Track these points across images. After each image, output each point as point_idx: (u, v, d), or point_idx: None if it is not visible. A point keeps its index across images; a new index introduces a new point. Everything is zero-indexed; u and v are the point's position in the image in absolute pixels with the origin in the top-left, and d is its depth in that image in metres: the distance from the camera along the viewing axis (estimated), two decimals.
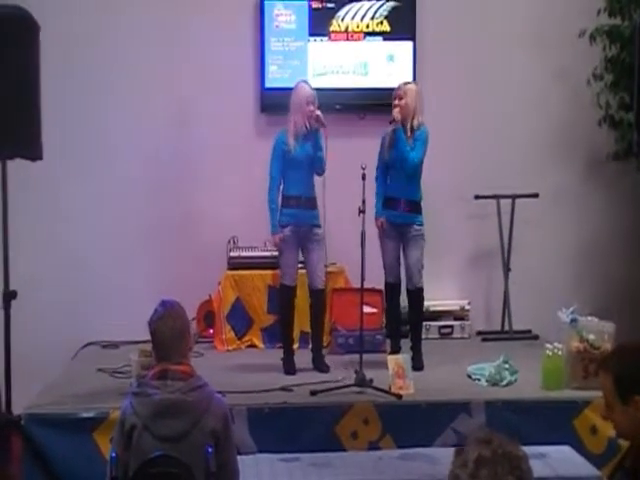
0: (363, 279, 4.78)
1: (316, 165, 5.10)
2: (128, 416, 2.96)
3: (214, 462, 2.90)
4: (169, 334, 3.01)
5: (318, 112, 5.03)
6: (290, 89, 5.23)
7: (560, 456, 4.05)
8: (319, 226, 5.16)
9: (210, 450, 2.90)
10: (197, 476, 2.89)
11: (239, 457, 3.63)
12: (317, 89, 5.21)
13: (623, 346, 2.71)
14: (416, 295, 5.27)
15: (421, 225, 5.19)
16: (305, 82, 5.26)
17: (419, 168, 5.15)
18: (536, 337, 5.92)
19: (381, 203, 5.20)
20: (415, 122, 5.12)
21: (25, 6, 4.37)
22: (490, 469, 1.86)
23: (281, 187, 5.14)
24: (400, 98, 5.11)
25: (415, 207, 5.19)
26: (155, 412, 2.92)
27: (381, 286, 5.48)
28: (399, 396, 4.55)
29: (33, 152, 4.35)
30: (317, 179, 5.14)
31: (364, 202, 4.73)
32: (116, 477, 2.91)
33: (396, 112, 5.07)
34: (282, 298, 5.25)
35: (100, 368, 5.15)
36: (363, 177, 4.73)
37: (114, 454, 2.95)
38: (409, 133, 5.11)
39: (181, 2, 6.04)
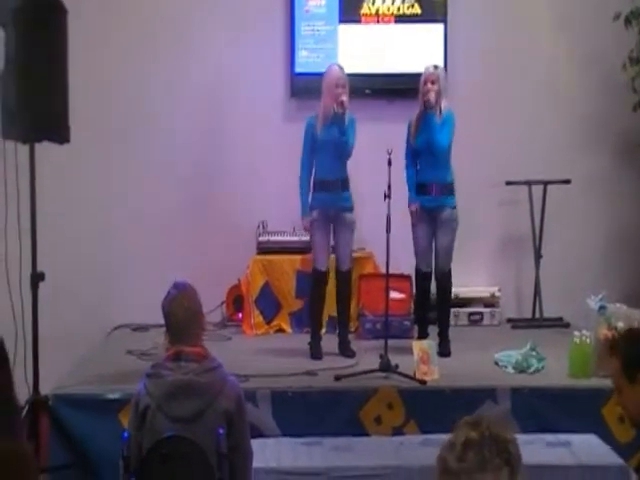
0: (388, 264, 4.74)
1: (341, 149, 5.05)
2: (142, 397, 2.98)
3: (225, 443, 2.89)
4: (182, 316, 3.01)
5: (344, 98, 4.97)
6: (320, 74, 5.20)
7: (584, 444, 3.98)
8: (350, 209, 5.12)
9: (222, 431, 2.89)
10: (209, 457, 2.89)
11: (262, 439, 3.65)
12: (347, 74, 5.14)
13: (631, 331, 2.79)
14: (445, 279, 5.22)
15: (454, 208, 5.14)
16: (337, 65, 5.23)
17: (449, 151, 5.10)
18: (567, 325, 5.82)
19: (414, 189, 5.15)
20: (443, 106, 5.06)
21: None
22: (477, 452, 1.84)
23: (313, 171, 5.11)
24: (433, 82, 5.04)
25: (448, 190, 5.14)
26: (168, 393, 2.93)
27: (410, 272, 5.43)
28: (423, 382, 4.52)
29: (61, 135, 4.37)
30: (350, 164, 5.10)
31: (390, 187, 4.68)
32: (128, 456, 2.93)
33: (432, 96, 5.00)
34: (314, 283, 5.22)
35: (129, 350, 5.18)
36: (389, 162, 4.67)
37: (127, 434, 2.97)
38: (438, 117, 5.05)
39: None
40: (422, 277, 5.26)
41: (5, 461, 1.87)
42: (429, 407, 4.41)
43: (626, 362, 2.53)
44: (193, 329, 3.03)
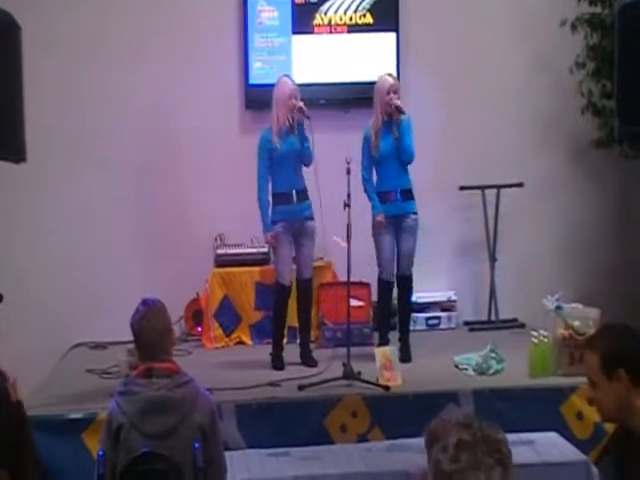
0: (349, 272, 4.81)
1: (304, 157, 5.12)
2: (115, 416, 2.98)
3: (202, 457, 2.93)
4: (153, 333, 3.03)
5: (301, 104, 5.05)
6: (274, 85, 5.24)
7: (547, 442, 4.07)
8: (312, 218, 5.19)
9: (197, 445, 2.93)
10: (185, 472, 2.92)
11: (227, 453, 3.67)
12: (301, 84, 5.24)
13: (607, 325, 2.79)
14: (406, 284, 5.31)
15: (416, 213, 5.24)
16: (288, 77, 5.28)
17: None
18: (522, 325, 5.97)
19: (377, 199, 5.22)
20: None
21: (5, 7, 4.36)
22: (470, 452, 1.89)
23: (269, 185, 5.16)
24: (395, 92, 5.14)
25: (410, 195, 5.25)
26: (142, 410, 2.95)
27: (368, 279, 5.52)
28: (387, 388, 4.59)
29: (17, 154, 4.34)
30: (307, 173, 5.16)
31: (349, 196, 4.75)
32: (103, 475, 2.94)
33: (399, 104, 5.09)
34: (278, 297, 5.25)
35: (89, 369, 5.17)
36: (348, 171, 4.75)
37: (101, 452, 2.98)
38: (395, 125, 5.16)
39: None
40: (385, 285, 5.32)
41: None
42: (393, 413, 4.48)
43: (605, 359, 2.55)
44: (163, 345, 3.06)
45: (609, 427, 4.43)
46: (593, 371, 2.60)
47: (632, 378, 2.56)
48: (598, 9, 5.91)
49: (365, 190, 5.21)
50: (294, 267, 5.27)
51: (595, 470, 3.89)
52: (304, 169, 5.20)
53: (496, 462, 1.90)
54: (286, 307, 5.26)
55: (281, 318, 5.28)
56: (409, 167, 5.27)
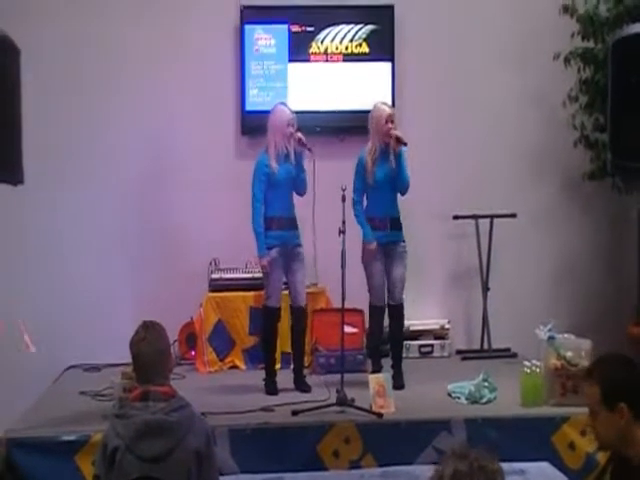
0: (344, 299, 4.82)
1: (298, 186, 5.17)
2: (110, 438, 2.98)
3: None
4: (151, 356, 3.04)
5: (300, 135, 5.10)
6: (270, 112, 5.28)
7: (539, 472, 4.08)
8: (301, 245, 5.24)
9: (193, 470, 2.92)
10: None
11: (221, 478, 3.66)
12: (297, 112, 5.28)
13: (607, 357, 2.79)
14: (398, 311, 5.33)
15: (405, 242, 5.28)
16: (284, 104, 5.33)
17: None
18: (515, 355, 5.99)
19: (368, 226, 5.23)
20: None
21: (5, 29, 4.40)
22: None
23: (264, 208, 5.18)
24: (392, 121, 5.18)
25: (399, 223, 5.29)
26: (137, 433, 2.94)
27: (361, 306, 5.54)
28: (380, 415, 4.59)
29: (14, 176, 4.38)
30: (302, 200, 5.20)
31: (344, 223, 4.77)
32: None
33: (400, 135, 5.12)
34: (267, 320, 5.26)
35: (82, 391, 5.16)
36: (343, 198, 4.79)
37: (97, 475, 2.98)
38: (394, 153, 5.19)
39: (164, 26, 6.11)
40: (377, 312, 5.34)
41: None
42: (385, 440, 4.48)
43: (606, 391, 2.58)
44: (161, 368, 3.06)
45: (601, 457, 4.47)
46: (594, 402, 2.62)
47: (633, 411, 2.59)
48: (591, 44, 5.98)
49: (355, 214, 5.20)
50: (287, 293, 5.28)
51: None
52: (298, 198, 5.23)
53: None
54: (276, 331, 5.27)
55: (271, 342, 5.29)
56: (403, 197, 5.30)
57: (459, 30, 6.34)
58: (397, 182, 5.19)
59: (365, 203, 5.30)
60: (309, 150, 5.10)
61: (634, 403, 2.60)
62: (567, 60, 5.99)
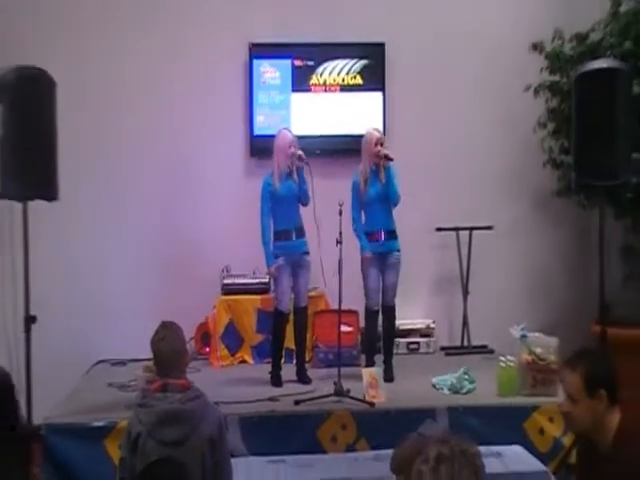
0: (341, 302, 4.84)
1: (302, 198, 5.19)
2: (134, 425, 3.00)
3: (211, 464, 2.93)
4: (169, 352, 3.06)
5: (300, 152, 5.13)
6: (275, 136, 5.32)
7: (513, 454, 4.08)
8: (308, 253, 5.23)
9: (207, 453, 2.93)
10: (195, 477, 2.92)
11: (232, 460, 3.67)
12: (299, 136, 5.31)
13: (587, 350, 2.82)
14: (390, 312, 5.33)
15: (399, 251, 5.28)
16: (287, 129, 5.37)
17: None
18: (492, 351, 5.99)
19: (365, 238, 5.24)
20: None
21: (42, 64, 4.45)
22: (448, 464, 1.93)
23: (271, 223, 5.20)
24: (382, 144, 5.21)
25: (394, 235, 5.29)
26: (158, 420, 2.96)
27: (356, 307, 5.54)
28: (372, 404, 4.61)
29: (50, 193, 4.43)
30: (305, 216, 5.20)
31: (341, 234, 4.79)
32: (123, 478, 2.95)
33: (388, 152, 5.16)
34: (276, 323, 5.27)
35: (110, 383, 5.18)
36: (340, 213, 4.79)
37: (123, 457, 2.99)
38: (382, 171, 5.21)
39: (183, 62, 6.15)
40: (372, 314, 5.34)
41: None
42: (377, 426, 4.49)
43: (588, 378, 2.58)
44: (178, 363, 3.08)
45: (567, 441, 4.49)
46: (575, 389, 2.62)
47: (609, 398, 2.60)
48: (557, 77, 6.01)
49: (354, 229, 5.23)
50: (292, 296, 5.30)
51: (554, 479, 3.91)
52: (304, 211, 5.23)
53: (472, 473, 1.93)
54: (284, 331, 5.28)
55: (279, 341, 5.30)
56: (395, 209, 5.32)
57: (442, 64, 6.36)
58: (389, 196, 5.21)
59: (363, 219, 5.31)
60: (307, 164, 5.11)
61: (611, 391, 2.61)
62: (537, 91, 6.01)
